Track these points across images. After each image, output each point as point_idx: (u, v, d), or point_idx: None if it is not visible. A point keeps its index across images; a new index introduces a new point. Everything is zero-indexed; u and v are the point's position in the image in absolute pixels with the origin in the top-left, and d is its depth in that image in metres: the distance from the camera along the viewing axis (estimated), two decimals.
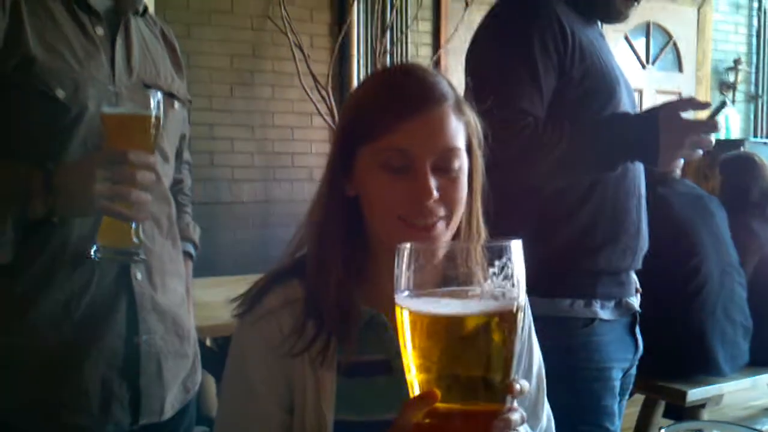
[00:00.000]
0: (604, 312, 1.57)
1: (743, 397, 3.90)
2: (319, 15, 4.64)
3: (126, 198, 1.14)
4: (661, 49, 6.29)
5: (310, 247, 1.03)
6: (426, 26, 5.03)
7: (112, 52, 1.30)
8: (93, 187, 1.11)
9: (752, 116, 6.77)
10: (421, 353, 0.72)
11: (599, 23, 1.71)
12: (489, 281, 0.70)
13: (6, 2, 1.19)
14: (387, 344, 0.98)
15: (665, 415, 2.93)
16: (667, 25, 6.26)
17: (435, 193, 0.92)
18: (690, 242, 2.71)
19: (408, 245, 0.73)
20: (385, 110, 0.95)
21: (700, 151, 1.48)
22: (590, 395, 1.56)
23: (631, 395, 1.84)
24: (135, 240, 1.18)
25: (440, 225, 0.95)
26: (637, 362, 1.70)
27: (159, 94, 1.18)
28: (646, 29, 6.19)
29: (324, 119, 4.47)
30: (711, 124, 1.45)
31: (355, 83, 4.55)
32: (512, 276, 0.71)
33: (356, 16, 4.61)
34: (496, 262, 0.70)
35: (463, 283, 0.71)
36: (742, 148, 3.76)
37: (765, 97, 6.75)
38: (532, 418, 1.12)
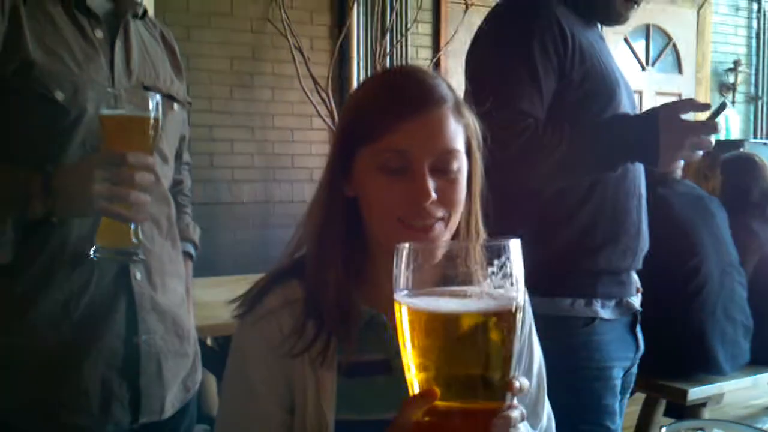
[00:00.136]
0: (604, 311, 1.57)
1: (744, 396, 3.90)
2: (319, 17, 4.65)
3: (125, 199, 1.14)
4: (661, 51, 6.29)
5: (310, 247, 1.03)
6: (426, 28, 5.03)
7: (112, 54, 1.31)
8: (92, 188, 1.11)
9: (752, 117, 6.78)
10: (420, 351, 0.72)
11: (599, 25, 1.71)
12: (488, 280, 0.70)
13: (5, 6, 1.19)
14: (387, 344, 0.98)
15: (666, 413, 2.93)
16: (666, 27, 6.26)
17: (433, 195, 0.93)
18: (690, 242, 2.71)
19: (407, 245, 0.74)
20: (384, 111, 0.95)
21: (700, 153, 1.48)
22: (591, 394, 1.56)
23: (631, 394, 1.84)
24: (134, 240, 1.19)
25: (438, 226, 0.96)
26: (638, 361, 1.71)
27: (157, 96, 1.19)
28: (646, 31, 6.19)
29: (324, 121, 4.48)
30: (711, 126, 1.45)
31: (354, 85, 4.55)
32: (511, 275, 0.71)
33: (356, 18, 4.62)
34: (495, 262, 0.71)
35: (462, 283, 0.71)
36: (741, 149, 3.76)
37: (765, 99, 6.76)
38: (533, 417, 1.12)
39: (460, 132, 0.98)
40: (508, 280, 0.71)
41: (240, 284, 1.11)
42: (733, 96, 6.51)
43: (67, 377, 1.26)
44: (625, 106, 1.59)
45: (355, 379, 1.00)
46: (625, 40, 6.05)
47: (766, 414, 4.00)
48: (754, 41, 6.74)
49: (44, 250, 1.22)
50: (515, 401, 0.74)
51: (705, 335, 2.64)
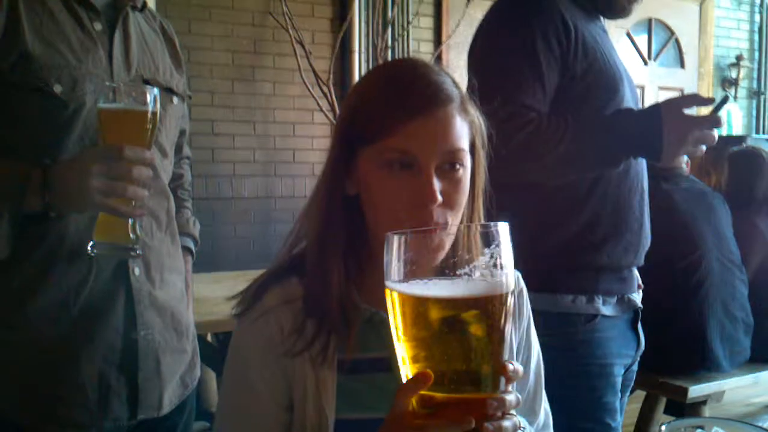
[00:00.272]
0: (606, 308, 1.57)
1: (745, 393, 3.90)
2: (321, 11, 4.64)
3: (122, 194, 1.13)
4: (663, 45, 6.28)
5: (310, 245, 1.02)
6: (427, 22, 5.03)
7: (110, 47, 1.30)
8: (89, 183, 1.11)
9: (754, 113, 6.77)
10: (412, 339, 0.71)
11: (602, 19, 1.70)
12: (478, 266, 0.70)
13: None
14: (386, 342, 0.97)
15: (666, 411, 2.93)
16: (669, 21, 6.25)
17: (439, 198, 0.91)
18: (691, 235, 2.71)
19: (398, 233, 0.73)
20: (389, 111, 0.93)
21: (704, 147, 1.47)
22: (592, 391, 1.56)
23: (632, 392, 1.84)
24: (132, 236, 1.18)
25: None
26: (638, 358, 1.70)
27: (156, 90, 1.18)
28: (648, 25, 6.18)
29: (325, 115, 4.47)
30: (714, 120, 1.44)
31: (356, 79, 4.54)
32: (501, 260, 0.71)
33: (357, 11, 4.61)
34: (486, 249, 0.70)
35: (453, 268, 0.71)
36: (743, 145, 3.75)
37: (767, 94, 6.74)
38: (530, 413, 1.12)
39: (465, 130, 0.96)
40: (498, 266, 0.71)
41: (240, 280, 1.10)
42: (736, 91, 6.50)
43: (64, 372, 1.25)
44: (628, 101, 1.59)
45: (355, 377, 0.99)
46: (628, 34, 6.04)
47: (766, 412, 4.01)
48: (756, 36, 6.73)
49: (42, 244, 1.22)
50: (510, 388, 0.74)
51: (704, 330, 2.64)
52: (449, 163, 0.94)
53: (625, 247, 1.58)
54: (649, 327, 1.73)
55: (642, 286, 1.73)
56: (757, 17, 6.72)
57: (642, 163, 1.64)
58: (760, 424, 0.86)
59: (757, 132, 6.63)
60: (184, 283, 1.49)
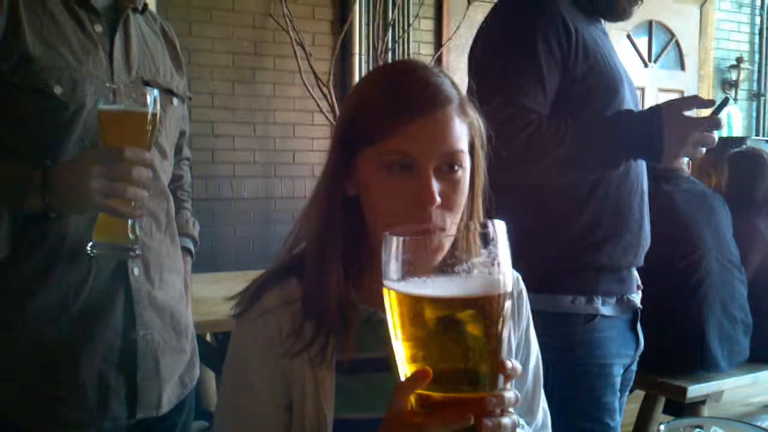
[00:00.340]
0: (605, 308, 1.57)
1: (743, 393, 3.90)
2: (321, 13, 4.64)
3: (122, 195, 1.13)
4: (664, 48, 6.28)
5: (310, 246, 1.02)
6: (428, 24, 5.03)
7: (111, 49, 1.30)
8: (89, 184, 1.11)
9: (754, 114, 6.77)
10: (410, 338, 0.71)
11: (602, 21, 1.70)
12: (476, 263, 0.70)
13: (4, 1, 1.19)
14: (385, 342, 0.97)
15: (665, 411, 2.94)
16: (669, 23, 6.25)
17: (438, 199, 0.91)
18: (691, 236, 2.71)
19: (396, 233, 0.73)
20: (388, 114, 0.93)
21: (704, 149, 1.47)
22: (591, 391, 1.56)
23: (631, 391, 1.84)
24: (131, 236, 1.18)
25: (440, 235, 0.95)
26: (637, 359, 1.70)
27: (156, 91, 1.18)
28: (649, 27, 6.19)
29: (325, 116, 4.48)
30: (714, 121, 1.44)
31: (356, 81, 4.53)
32: (498, 259, 0.71)
33: (358, 13, 4.61)
34: (483, 249, 0.71)
35: (450, 267, 0.71)
36: (743, 146, 3.75)
37: (767, 96, 6.74)
38: (529, 413, 1.12)
39: (464, 131, 0.96)
40: (495, 265, 0.71)
41: (240, 280, 1.10)
42: (736, 93, 6.51)
43: (64, 372, 1.25)
44: (628, 102, 1.59)
45: (354, 378, 0.99)
46: (628, 36, 6.04)
47: (765, 412, 4.01)
48: (757, 38, 6.74)
49: (42, 245, 1.22)
50: (508, 385, 0.74)
51: (703, 330, 2.64)
52: (448, 164, 0.94)
53: (625, 247, 1.59)
54: (648, 327, 1.73)
55: (641, 286, 1.73)
56: (757, 20, 6.73)
57: (642, 165, 1.65)
58: (758, 424, 0.86)
59: (757, 134, 6.63)
60: (184, 283, 1.50)
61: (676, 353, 2.65)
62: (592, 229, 1.55)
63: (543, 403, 1.15)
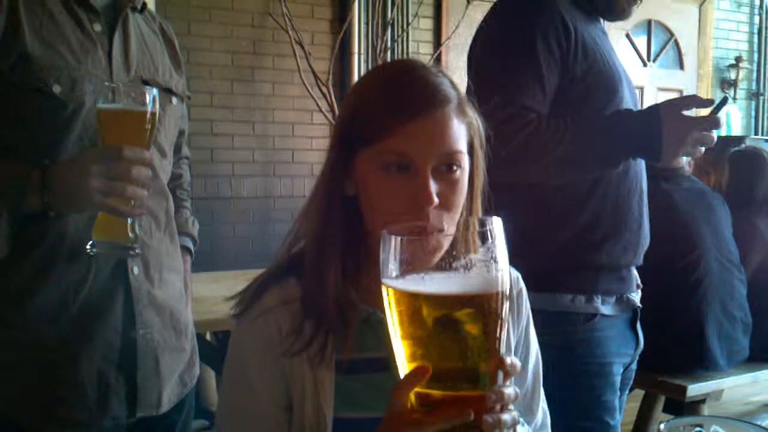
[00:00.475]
0: (605, 307, 1.57)
1: (743, 392, 3.91)
2: (320, 12, 4.64)
3: (121, 194, 1.13)
4: (663, 47, 6.29)
5: (309, 246, 1.02)
6: (427, 23, 5.03)
7: (110, 48, 1.30)
8: (88, 182, 1.11)
9: (753, 114, 6.78)
10: (409, 335, 0.71)
11: (602, 20, 1.70)
12: (475, 260, 0.71)
13: (3, 0, 1.19)
14: (384, 342, 0.97)
15: (665, 410, 2.94)
16: (668, 22, 6.26)
17: (435, 200, 0.91)
18: (690, 235, 2.71)
19: (395, 231, 0.73)
20: (387, 114, 0.93)
21: (703, 148, 1.47)
22: (591, 390, 1.56)
23: (631, 390, 1.84)
24: (131, 235, 1.18)
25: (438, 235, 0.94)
26: (637, 357, 1.71)
27: (155, 90, 1.18)
28: (648, 27, 6.19)
29: (324, 116, 4.48)
30: (713, 120, 1.44)
31: (355, 80, 4.54)
32: (496, 257, 0.71)
33: (357, 12, 4.61)
34: (481, 246, 0.71)
35: (449, 265, 0.71)
36: (743, 145, 3.75)
37: (766, 95, 6.76)
38: (528, 412, 1.12)
39: (463, 131, 0.96)
40: (493, 262, 0.71)
41: (239, 279, 1.10)
42: (735, 92, 6.51)
43: (64, 371, 1.25)
44: (627, 102, 1.59)
45: (353, 377, 0.99)
46: (627, 35, 6.04)
47: (765, 411, 4.01)
48: (755, 37, 6.74)
49: (42, 244, 1.22)
50: (508, 382, 0.74)
51: (702, 329, 2.64)
52: (446, 164, 0.93)
53: (624, 246, 1.59)
54: (648, 326, 1.73)
55: (641, 285, 1.73)
56: (756, 19, 6.73)
57: (641, 164, 1.65)
58: (758, 423, 0.86)
59: (756, 133, 6.64)
60: (183, 282, 1.50)
61: (676, 352, 2.65)
62: (591, 228, 1.55)
63: (543, 404, 1.15)
